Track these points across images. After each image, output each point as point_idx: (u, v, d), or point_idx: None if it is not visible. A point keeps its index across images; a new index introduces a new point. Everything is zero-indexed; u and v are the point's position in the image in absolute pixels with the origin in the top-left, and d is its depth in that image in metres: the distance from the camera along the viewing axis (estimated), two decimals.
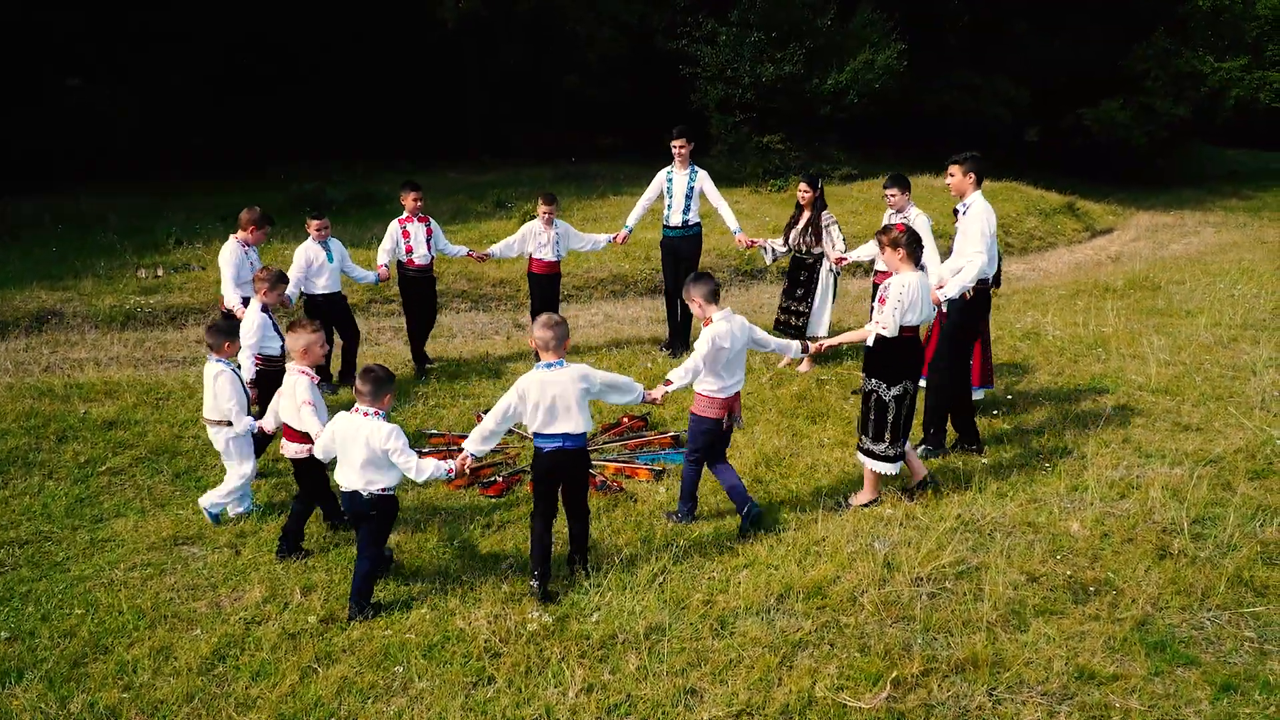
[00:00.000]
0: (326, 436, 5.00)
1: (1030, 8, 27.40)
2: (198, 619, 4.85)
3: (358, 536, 4.98)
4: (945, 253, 8.12)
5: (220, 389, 5.81)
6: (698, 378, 5.54)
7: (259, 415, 5.98)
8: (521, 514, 5.97)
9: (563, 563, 5.28)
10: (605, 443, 7.24)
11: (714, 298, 5.60)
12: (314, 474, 5.57)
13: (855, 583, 4.98)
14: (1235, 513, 5.59)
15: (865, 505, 5.98)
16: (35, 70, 18.98)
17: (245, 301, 7.24)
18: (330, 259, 8.44)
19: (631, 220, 9.83)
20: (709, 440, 5.76)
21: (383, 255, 8.93)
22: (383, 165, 21.56)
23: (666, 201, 9.52)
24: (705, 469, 5.92)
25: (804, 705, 4.05)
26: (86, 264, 12.61)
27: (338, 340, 8.53)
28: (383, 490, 4.89)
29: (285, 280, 6.83)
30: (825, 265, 8.88)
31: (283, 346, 6.53)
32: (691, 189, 9.39)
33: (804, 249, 8.93)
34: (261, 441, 6.17)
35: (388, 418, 4.94)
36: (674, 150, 9.34)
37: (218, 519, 5.97)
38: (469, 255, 9.43)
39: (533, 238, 9.20)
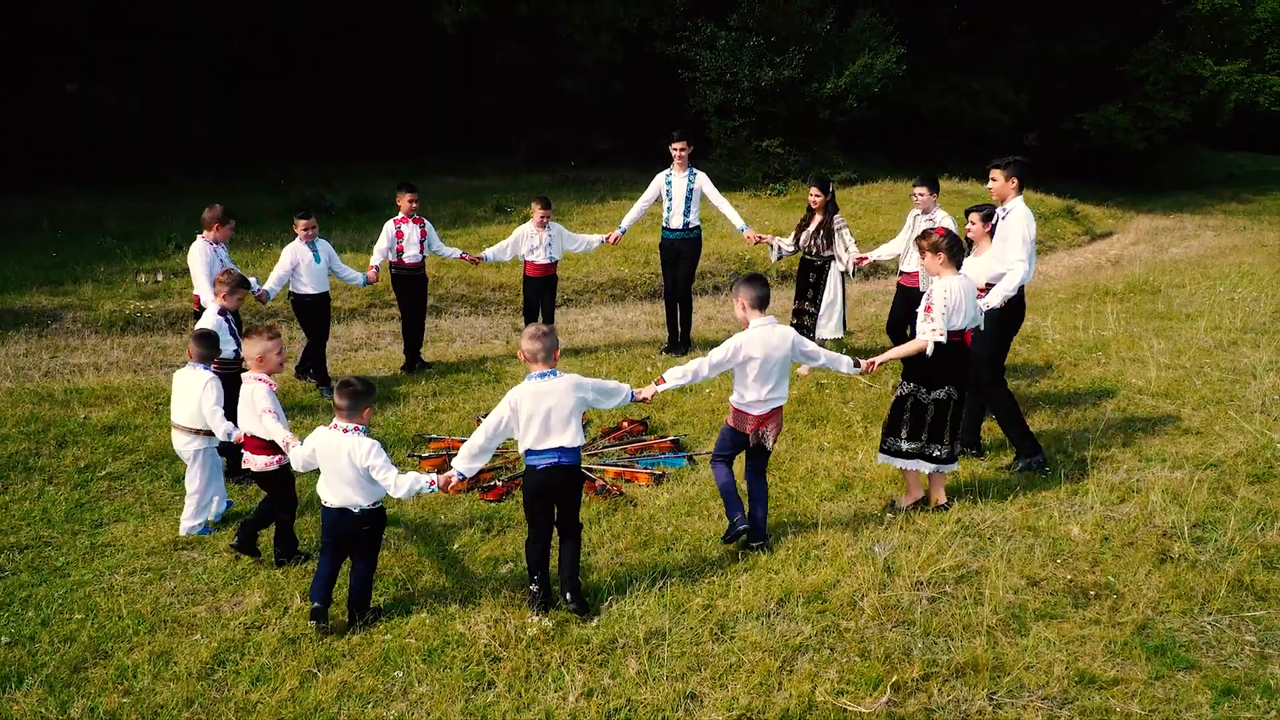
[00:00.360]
0: (306, 450, 4.82)
1: (1029, 12, 27.43)
2: (197, 624, 4.84)
3: (336, 553, 4.80)
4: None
5: (206, 397, 5.66)
6: (697, 380, 5.29)
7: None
8: (521, 519, 5.96)
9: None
10: (605, 447, 7.23)
11: (760, 304, 5.26)
12: (284, 486, 5.43)
13: (855, 587, 4.97)
14: (1236, 517, 5.59)
15: (915, 506, 5.87)
16: (32, 67, 18.89)
17: None
18: (317, 259, 8.56)
19: (626, 222, 9.87)
20: (734, 448, 5.50)
21: (376, 256, 9.12)
22: (382, 170, 21.56)
23: (666, 204, 9.55)
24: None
25: (804, 710, 4.05)
26: (86, 268, 12.61)
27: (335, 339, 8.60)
28: (373, 505, 4.77)
29: (246, 285, 6.83)
30: (835, 267, 8.97)
31: (237, 351, 6.47)
32: (691, 191, 9.42)
33: (814, 251, 9.01)
34: (232, 455, 6.17)
35: (368, 432, 4.79)
36: (673, 153, 9.38)
37: (209, 529, 5.95)
38: (462, 258, 9.61)
39: (525, 241, 9.32)
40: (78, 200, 17.59)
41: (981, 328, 6.32)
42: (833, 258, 8.92)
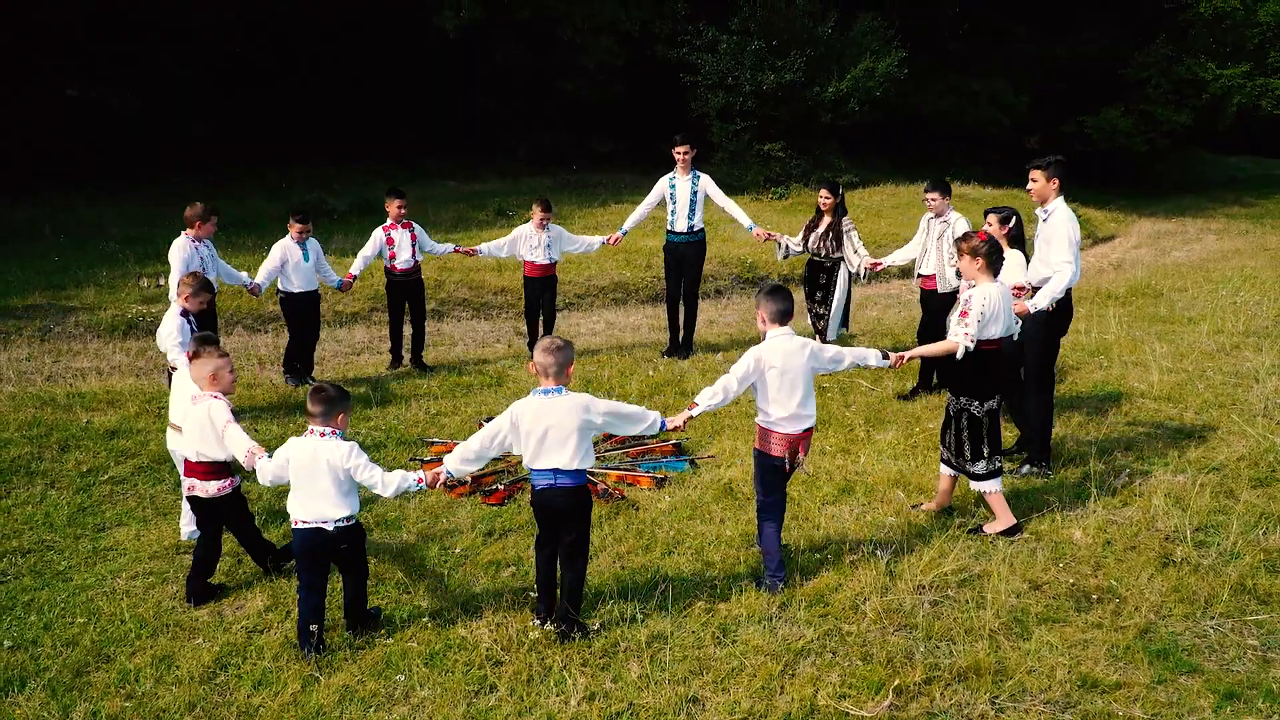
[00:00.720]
0: (278, 462, 4.58)
1: (1029, 12, 27.44)
2: (200, 627, 4.84)
3: (315, 581, 4.61)
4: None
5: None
6: (729, 399, 4.99)
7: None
8: (523, 521, 5.96)
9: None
10: (607, 450, 7.24)
11: (780, 318, 4.99)
12: (237, 509, 5.19)
13: (857, 590, 4.97)
14: (1238, 520, 5.58)
15: (1006, 533, 5.60)
16: (32, 68, 18.89)
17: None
18: (306, 259, 8.75)
19: (628, 224, 9.90)
20: (775, 487, 5.08)
21: (358, 262, 9.23)
22: (382, 171, 21.59)
23: (670, 208, 9.57)
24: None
25: (806, 713, 4.04)
26: (88, 273, 12.64)
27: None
28: (347, 520, 4.57)
29: (209, 289, 6.79)
30: (843, 269, 9.00)
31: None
32: (695, 194, 9.45)
33: (824, 254, 9.05)
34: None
35: (345, 437, 4.61)
36: (677, 156, 9.41)
37: None
38: (456, 251, 9.67)
39: (524, 241, 9.42)
40: (79, 204, 17.63)
41: (1015, 336, 6.25)
42: (842, 259, 8.99)
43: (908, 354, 5.56)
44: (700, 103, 22.97)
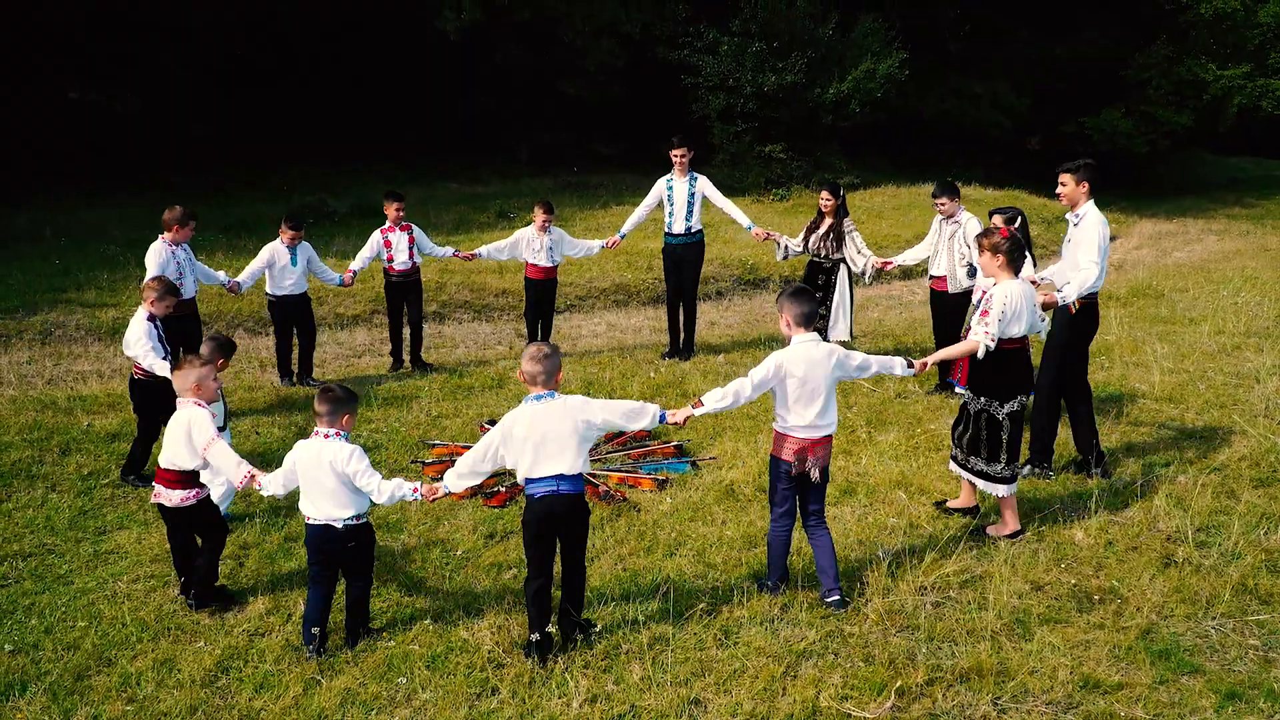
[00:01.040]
0: (286, 469, 4.62)
1: (1029, 12, 27.43)
2: (201, 631, 4.84)
3: (326, 576, 4.62)
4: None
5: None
6: (739, 403, 4.81)
7: (146, 428, 6.49)
8: None
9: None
10: (609, 452, 7.23)
11: (805, 321, 4.83)
12: (206, 516, 5.06)
13: (859, 591, 4.97)
14: (1240, 521, 5.58)
15: (1010, 536, 5.60)
16: (32, 68, 18.88)
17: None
18: (294, 263, 8.77)
19: (626, 227, 9.92)
20: (787, 489, 4.95)
21: (357, 261, 9.31)
22: (383, 175, 21.59)
23: (668, 209, 9.58)
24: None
25: (808, 715, 4.04)
26: (89, 275, 12.65)
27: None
28: (357, 519, 4.58)
29: (174, 293, 6.80)
30: (843, 270, 9.00)
31: (166, 356, 6.48)
32: (693, 196, 9.46)
33: (824, 255, 9.05)
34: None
35: (349, 439, 4.62)
36: (674, 158, 9.43)
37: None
38: (455, 255, 9.72)
39: (525, 244, 9.46)
40: (79, 206, 17.64)
41: (1043, 336, 6.19)
42: (843, 261, 8.99)
43: (929, 359, 5.45)
44: (701, 104, 22.96)
